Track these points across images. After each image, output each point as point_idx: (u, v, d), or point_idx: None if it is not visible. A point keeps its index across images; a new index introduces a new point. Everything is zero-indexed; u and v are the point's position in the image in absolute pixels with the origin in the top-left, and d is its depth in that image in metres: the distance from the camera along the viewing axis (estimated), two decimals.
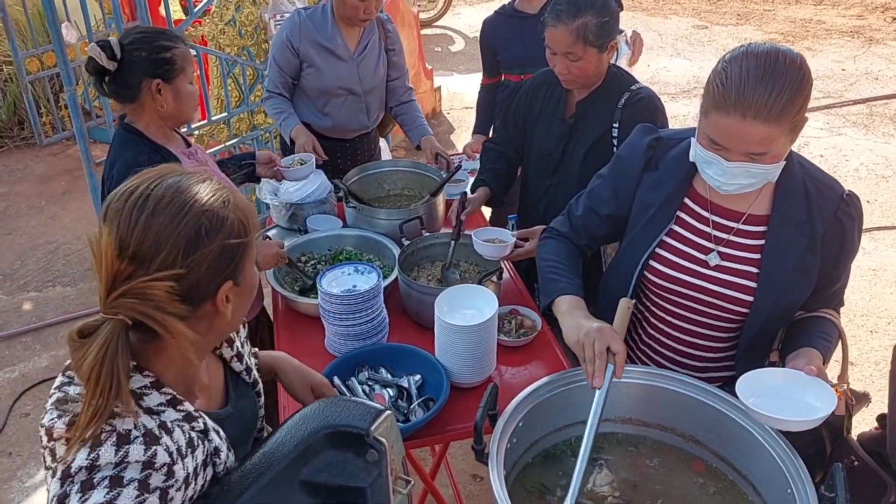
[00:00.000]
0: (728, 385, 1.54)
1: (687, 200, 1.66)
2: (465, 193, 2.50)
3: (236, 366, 1.36)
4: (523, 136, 2.52)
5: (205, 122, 4.08)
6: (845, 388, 1.62)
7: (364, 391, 1.87)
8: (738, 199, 1.60)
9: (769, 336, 1.65)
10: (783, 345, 1.66)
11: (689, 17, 9.49)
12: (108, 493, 0.94)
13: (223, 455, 1.13)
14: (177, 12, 6.23)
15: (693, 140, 1.54)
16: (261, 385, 1.43)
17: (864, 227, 1.63)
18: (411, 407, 1.84)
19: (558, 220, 1.92)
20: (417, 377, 1.93)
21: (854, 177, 5.30)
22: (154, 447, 0.99)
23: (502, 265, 2.28)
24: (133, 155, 2.02)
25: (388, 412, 1.16)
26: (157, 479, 0.98)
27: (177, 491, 1.01)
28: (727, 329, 1.69)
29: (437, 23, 9.17)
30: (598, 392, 1.42)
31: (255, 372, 1.41)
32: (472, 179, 2.81)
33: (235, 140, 4.21)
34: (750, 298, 1.60)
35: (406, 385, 1.90)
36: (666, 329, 1.77)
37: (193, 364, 1.14)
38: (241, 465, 1.11)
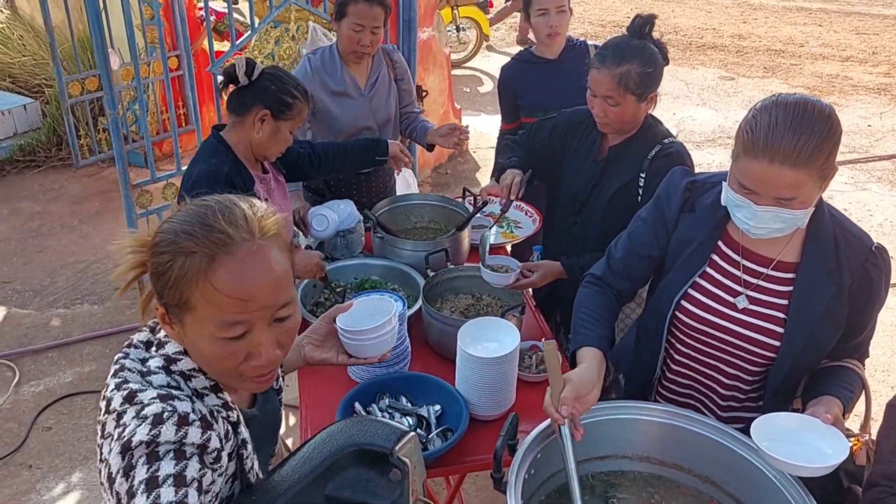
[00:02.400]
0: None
1: (720, 244, 1.70)
2: (524, 177, 2.53)
3: None
4: (550, 160, 2.56)
5: None
6: (867, 438, 1.63)
7: (384, 418, 1.90)
8: (768, 244, 1.63)
9: (795, 382, 1.67)
10: (805, 391, 1.67)
11: (716, 68, 9.58)
12: (175, 465, 1.01)
13: (249, 448, 1.19)
14: (220, 43, 6.42)
15: (724, 184, 1.58)
16: (283, 392, 1.47)
17: (891, 276, 1.66)
18: (430, 437, 1.86)
19: (598, 264, 1.93)
20: (437, 407, 1.95)
21: (878, 231, 5.28)
22: (209, 432, 1.06)
23: (524, 301, 2.32)
24: (218, 163, 2.21)
25: (413, 433, 1.19)
26: (208, 461, 1.06)
27: (219, 476, 1.09)
28: (752, 372, 1.70)
29: (467, 64, 9.35)
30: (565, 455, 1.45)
31: (280, 380, 1.45)
32: (492, 222, 2.86)
33: None
34: (776, 343, 1.62)
35: (425, 414, 1.92)
36: (692, 368, 1.79)
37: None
38: (269, 477, 1.15)
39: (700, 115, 7.80)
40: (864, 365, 1.69)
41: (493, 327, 2.01)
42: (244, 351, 1.11)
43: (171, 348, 1.16)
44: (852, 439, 1.63)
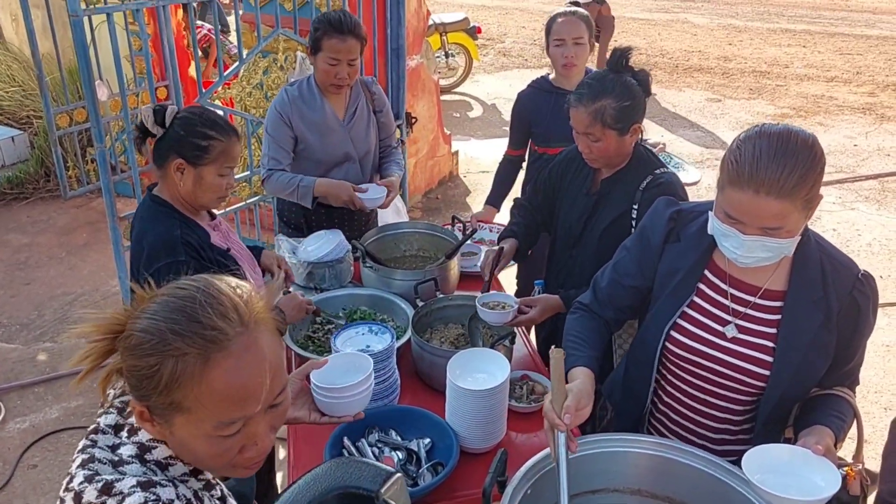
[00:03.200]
0: None
1: (707, 273, 1.70)
2: (501, 248, 2.52)
3: None
4: (552, 204, 2.57)
5: None
6: (860, 467, 1.61)
7: (374, 453, 1.87)
8: (755, 273, 1.63)
9: (787, 411, 1.66)
10: (796, 421, 1.66)
11: (703, 90, 9.69)
12: None
13: None
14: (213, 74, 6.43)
15: (710, 214, 1.58)
16: None
17: (878, 302, 1.65)
18: (420, 471, 1.83)
19: (585, 294, 1.95)
20: (427, 440, 1.93)
21: (867, 251, 5.31)
22: None
23: (515, 330, 2.30)
24: (166, 229, 2.07)
25: (399, 475, 1.17)
26: None
27: None
28: (743, 402, 1.69)
29: (457, 89, 9.42)
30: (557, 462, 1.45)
31: None
32: (483, 249, 2.85)
33: (256, 198, 4.31)
34: (766, 372, 1.61)
35: (415, 448, 1.90)
36: (683, 399, 1.78)
37: None
38: None
39: (688, 136, 7.86)
40: (854, 393, 1.68)
41: (483, 358, 1.99)
42: (240, 444, 1.05)
43: (144, 435, 1.08)
44: (845, 468, 1.62)
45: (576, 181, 2.45)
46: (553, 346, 1.60)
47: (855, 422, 1.64)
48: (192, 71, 4.97)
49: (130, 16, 4.76)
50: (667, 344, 1.72)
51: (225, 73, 3.75)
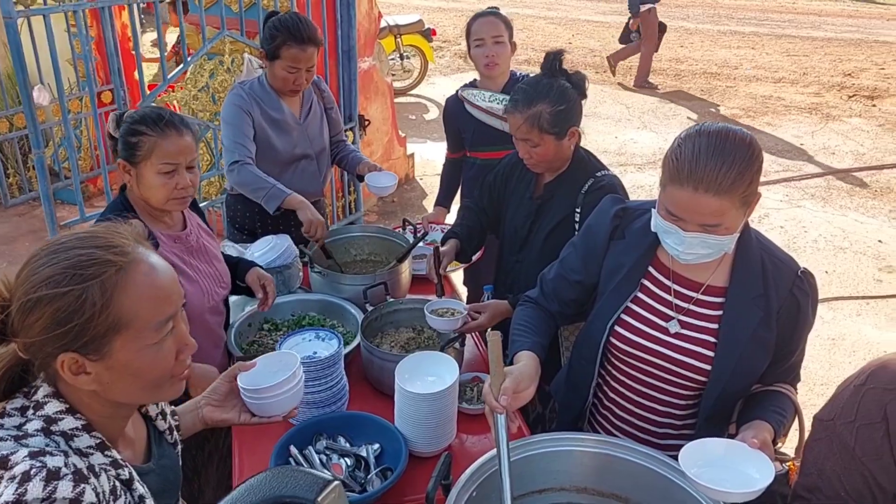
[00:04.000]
0: None
1: (651, 269, 1.72)
2: (437, 247, 2.50)
3: (160, 424, 1.37)
4: (497, 208, 2.57)
5: None
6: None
7: (321, 461, 1.85)
8: (698, 269, 1.65)
9: (728, 406, 1.68)
10: (739, 417, 1.68)
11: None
12: None
13: (148, 503, 1.16)
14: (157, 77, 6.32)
15: (653, 211, 1.60)
16: (180, 445, 1.43)
17: (824, 297, 1.69)
18: (369, 477, 1.81)
19: (532, 290, 1.97)
20: (376, 446, 1.90)
21: (813, 248, 5.44)
22: (83, 485, 1.02)
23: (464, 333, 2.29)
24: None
25: (336, 482, 1.14)
26: None
27: None
28: (686, 397, 1.71)
29: (412, 91, 9.41)
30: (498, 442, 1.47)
31: (176, 433, 1.42)
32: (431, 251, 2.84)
33: (205, 203, 4.23)
34: (707, 367, 1.63)
35: (364, 454, 1.88)
36: (627, 394, 1.80)
37: (117, 416, 1.19)
38: None
39: (641, 137, 7.97)
40: (796, 389, 1.71)
41: (432, 361, 1.97)
42: (174, 348, 1.15)
43: (51, 408, 1.09)
44: (788, 463, 1.65)
45: (520, 186, 2.46)
46: (489, 330, 1.61)
47: (797, 418, 1.67)
48: (136, 74, 4.86)
49: (72, 17, 4.63)
50: (611, 339, 1.74)
51: (169, 76, 3.67)
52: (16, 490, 0.96)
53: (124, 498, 1.11)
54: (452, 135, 3.29)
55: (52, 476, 0.99)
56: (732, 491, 1.35)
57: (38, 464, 0.99)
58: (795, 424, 1.70)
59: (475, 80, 3.23)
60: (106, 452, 1.11)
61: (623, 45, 9.79)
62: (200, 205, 4.12)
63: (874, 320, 4.55)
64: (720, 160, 1.45)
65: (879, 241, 5.60)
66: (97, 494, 1.03)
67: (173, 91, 4.68)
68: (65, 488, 0.99)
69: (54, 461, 1.01)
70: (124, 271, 1.07)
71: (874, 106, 9.11)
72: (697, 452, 1.44)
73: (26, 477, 0.97)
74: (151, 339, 1.10)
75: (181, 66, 3.81)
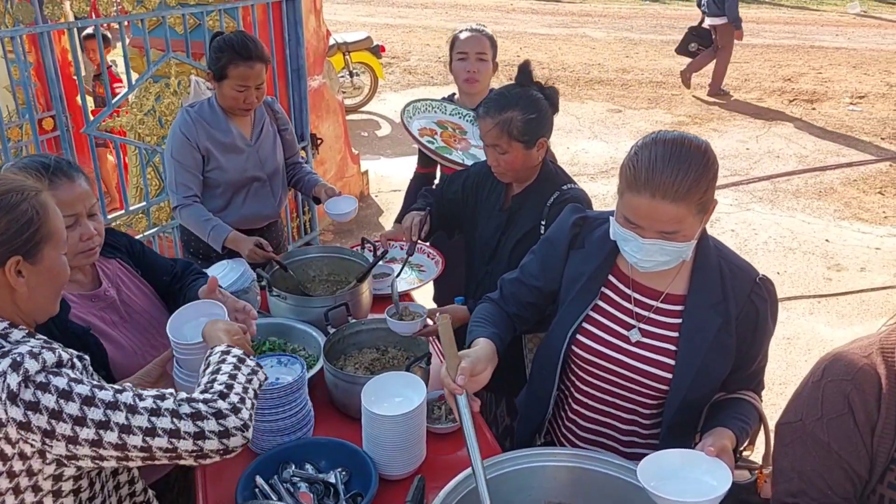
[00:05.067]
0: None
1: (611, 277, 1.72)
2: (428, 210, 2.53)
3: None
4: (464, 212, 2.55)
5: (122, 212, 3.98)
6: (770, 471, 1.65)
7: (288, 489, 1.79)
8: (657, 277, 1.66)
9: (692, 414, 1.68)
10: (703, 425, 1.68)
11: (604, 101, 10.00)
12: (61, 378, 1.29)
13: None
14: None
15: (612, 219, 1.61)
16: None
17: (777, 306, 1.70)
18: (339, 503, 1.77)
19: (492, 292, 1.97)
20: (345, 471, 1.86)
21: (763, 249, 5.57)
22: (57, 351, 1.33)
23: (432, 350, 2.26)
24: None
25: None
26: (71, 371, 1.33)
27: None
28: (650, 406, 1.71)
29: (363, 108, 9.38)
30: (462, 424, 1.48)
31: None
32: (396, 269, 2.81)
33: (155, 229, 4.12)
34: (669, 375, 1.63)
35: (333, 480, 1.83)
36: (591, 403, 1.79)
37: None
38: None
39: (592, 147, 8.09)
40: (761, 397, 1.73)
41: (398, 382, 1.94)
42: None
43: None
44: (755, 471, 1.66)
45: (490, 197, 2.46)
46: (438, 314, 1.60)
47: (762, 426, 1.68)
48: (79, 99, 4.73)
49: (9, 43, 4.49)
50: (572, 347, 1.73)
51: (113, 101, 3.58)
52: (19, 371, 1.25)
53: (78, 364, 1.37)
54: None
55: (33, 355, 1.27)
56: (690, 500, 1.35)
57: (15, 353, 1.27)
58: (763, 434, 1.72)
59: (453, 94, 3.22)
60: (37, 337, 1.38)
61: (690, 58, 9.85)
62: (150, 231, 4.06)
63: (826, 318, 4.67)
64: (676, 167, 1.46)
65: (826, 240, 5.76)
66: (65, 353, 1.35)
67: (118, 116, 4.56)
68: (49, 357, 1.30)
69: (19, 349, 1.29)
70: (44, 195, 1.40)
71: (814, 109, 9.42)
72: (655, 465, 1.44)
73: (16, 364, 1.25)
74: (63, 249, 1.43)
75: (126, 90, 3.71)
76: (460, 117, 3.19)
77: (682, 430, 1.67)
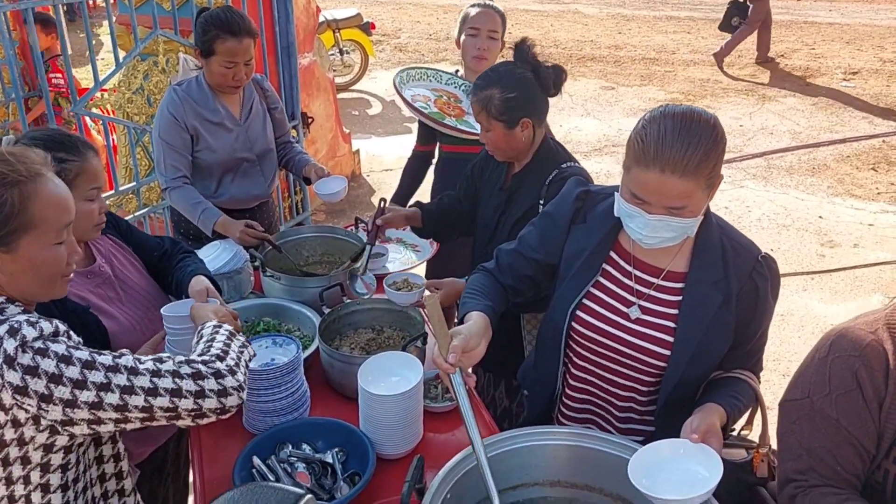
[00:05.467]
0: (651, 440, 1.54)
1: (612, 254, 1.71)
2: (384, 200, 2.54)
3: None
4: (474, 199, 2.54)
5: (112, 192, 3.93)
6: (767, 450, 1.65)
7: (286, 469, 1.79)
8: (659, 255, 1.64)
9: (689, 392, 1.67)
10: (697, 402, 1.67)
11: (597, 78, 9.95)
12: (59, 345, 1.31)
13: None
14: (86, 80, 6.09)
15: (617, 195, 1.58)
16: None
17: (779, 285, 1.69)
18: (336, 483, 1.77)
19: (488, 262, 1.95)
20: (342, 451, 1.85)
21: (757, 227, 5.58)
22: (54, 322, 1.35)
23: (427, 330, 2.25)
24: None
25: (309, 496, 1.10)
26: (68, 340, 1.35)
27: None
28: (647, 383, 1.70)
29: (354, 87, 9.29)
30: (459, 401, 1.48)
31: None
32: (388, 248, 2.80)
33: (146, 210, 4.08)
34: (667, 353, 1.63)
35: (330, 460, 1.82)
36: (589, 379, 1.78)
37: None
38: None
39: (585, 125, 8.05)
40: (758, 377, 1.71)
41: (395, 362, 1.94)
42: (66, 253, 1.41)
43: None
44: (752, 451, 1.65)
45: (492, 177, 2.44)
46: (426, 293, 1.59)
47: (759, 406, 1.67)
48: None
49: None
50: (573, 324, 1.72)
51: (101, 80, 3.52)
52: (15, 336, 1.26)
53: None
54: (424, 125, 3.17)
55: (30, 322, 1.29)
56: (684, 498, 1.32)
57: (12, 321, 1.29)
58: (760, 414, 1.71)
59: (457, 70, 3.16)
60: (28, 313, 1.36)
61: (729, 35, 9.89)
62: (140, 212, 4.02)
63: (819, 294, 4.69)
64: (686, 141, 1.44)
65: (820, 216, 5.77)
66: (60, 324, 1.36)
67: (105, 94, 4.50)
68: (46, 326, 1.31)
69: (20, 316, 1.31)
70: (35, 182, 1.33)
71: (808, 85, 9.40)
72: (645, 460, 1.42)
73: (13, 330, 1.27)
74: (52, 240, 1.36)
75: (114, 68, 3.65)
76: (456, 87, 3.15)
77: (678, 407, 1.66)
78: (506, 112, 2.14)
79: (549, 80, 2.21)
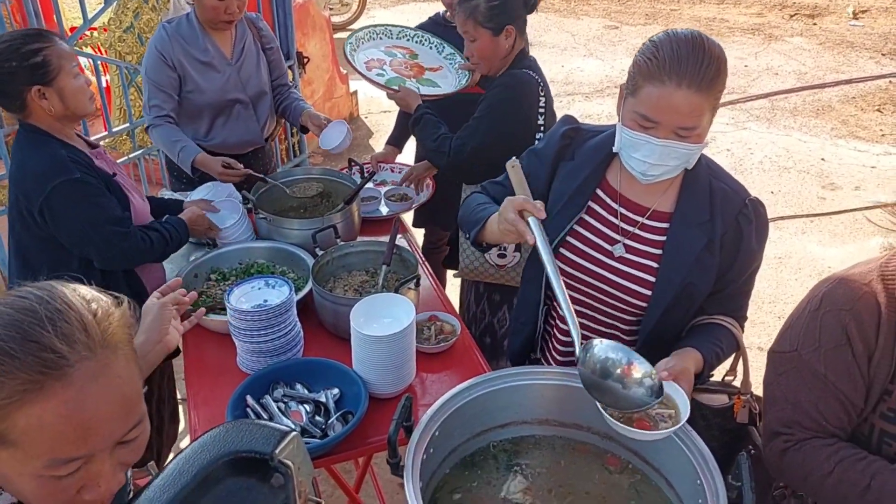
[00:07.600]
0: None
1: (599, 191, 1.69)
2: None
3: None
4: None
5: (106, 133, 3.89)
6: (748, 396, 1.66)
7: (279, 408, 1.82)
8: (646, 194, 1.63)
9: (668, 334, 1.67)
10: (676, 347, 1.68)
11: (600, 17, 9.72)
12: None
13: None
14: (77, 19, 5.97)
15: (619, 126, 1.56)
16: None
17: (770, 217, 1.67)
18: (329, 422, 1.80)
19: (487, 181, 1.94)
20: (335, 391, 1.88)
21: (759, 169, 5.52)
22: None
23: (420, 272, 2.26)
24: (50, 151, 2.02)
25: (294, 433, 1.11)
26: None
27: None
28: (628, 322, 1.71)
29: (352, 26, 9.09)
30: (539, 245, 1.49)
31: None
32: (382, 191, 2.80)
33: (140, 151, 4.04)
34: (648, 292, 1.63)
35: (323, 399, 1.85)
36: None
37: None
38: (133, 501, 1.04)
39: (587, 66, 7.89)
40: (742, 327, 1.71)
41: (388, 303, 1.95)
42: (77, 486, 0.89)
43: None
44: (734, 397, 1.66)
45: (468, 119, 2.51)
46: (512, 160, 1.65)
47: (741, 354, 1.68)
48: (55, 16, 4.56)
49: None
50: (557, 262, 1.71)
51: (91, 17, 3.44)
52: None
53: None
54: None
55: None
56: (649, 433, 1.35)
57: None
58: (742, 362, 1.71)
59: (444, 11, 3.07)
60: None
61: None
62: (135, 153, 3.99)
63: (818, 237, 4.68)
64: (701, 55, 1.43)
65: (822, 159, 5.71)
66: None
67: (95, 33, 4.41)
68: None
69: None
70: (39, 388, 0.83)
71: (815, 24, 9.18)
72: None
73: None
74: (43, 471, 0.87)
75: (103, 5, 3.57)
76: (408, 39, 3.05)
77: (657, 349, 1.66)
78: (492, 18, 2.34)
79: None
